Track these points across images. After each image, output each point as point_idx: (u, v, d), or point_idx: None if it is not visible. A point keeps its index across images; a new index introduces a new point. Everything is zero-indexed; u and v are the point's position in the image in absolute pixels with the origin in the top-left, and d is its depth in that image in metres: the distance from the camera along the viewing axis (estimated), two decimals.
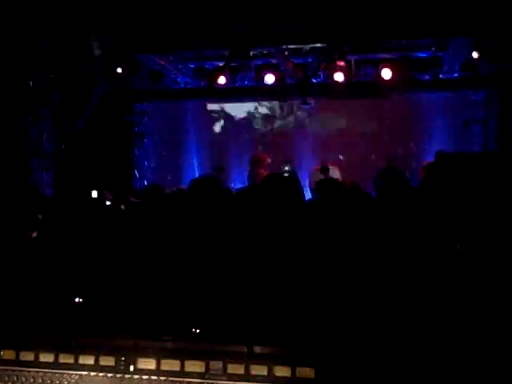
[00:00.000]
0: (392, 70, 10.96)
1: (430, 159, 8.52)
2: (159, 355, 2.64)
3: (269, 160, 9.21)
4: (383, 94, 11.36)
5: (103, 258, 3.13)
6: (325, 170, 9.91)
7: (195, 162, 13.15)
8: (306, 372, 2.42)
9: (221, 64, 11.32)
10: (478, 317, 2.52)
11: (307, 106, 12.05)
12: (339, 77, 11.07)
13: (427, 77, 11.55)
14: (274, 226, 3.15)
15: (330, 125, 12.59)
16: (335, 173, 10.10)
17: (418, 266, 3.03)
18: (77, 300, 2.87)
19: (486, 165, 5.23)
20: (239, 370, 2.53)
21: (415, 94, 12.15)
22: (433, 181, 5.09)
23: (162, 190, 5.13)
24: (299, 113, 13.11)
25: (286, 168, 9.71)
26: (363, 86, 11.50)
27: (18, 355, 2.74)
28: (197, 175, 12.48)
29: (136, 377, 2.68)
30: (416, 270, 2.98)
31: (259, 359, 2.48)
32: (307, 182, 9.48)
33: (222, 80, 11.29)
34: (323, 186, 4.86)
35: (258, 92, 11.57)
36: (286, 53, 11.13)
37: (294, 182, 3.60)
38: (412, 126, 12.31)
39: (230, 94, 11.70)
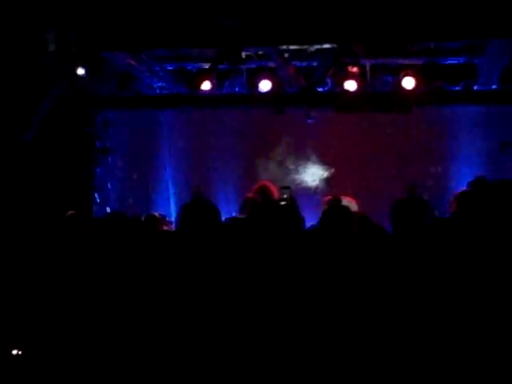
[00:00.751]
0: (416, 78, 10.02)
1: (461, 187, 7.94)
2: None
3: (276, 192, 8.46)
4: (404, 107, 10.30)
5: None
6: (336, 201, 8.67)
7: (170, 187, 11.82)
8: None
9: (206, 66, 10.36)
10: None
11: (311, 121, 10.77)
12: (351, 85, 9.99)
13: (458, 88, 10.49)
14: (265, 259, 3.07)
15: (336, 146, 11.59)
16: (351, 205, 8.69)
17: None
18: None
19: None
20: None
21: (443, 108, 10.98)
22: (466, 215, 4.67)
23: (127, 219, 4.76)
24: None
25: (285, 196, 8.55)
26: (380, 97, 10.51)
27: None
28: (172, 202, 11.35)
29: None
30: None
31: None
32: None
33: (206, 86, 10.25)
34: (328, 214, 4.46)
35: (251, 102, 10.54)
36: (286, 55, 10.16)
37: (289, 210, 3.57)
38: (438, 146, 11.13)
39: (217, 103, 10.60)
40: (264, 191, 8.70)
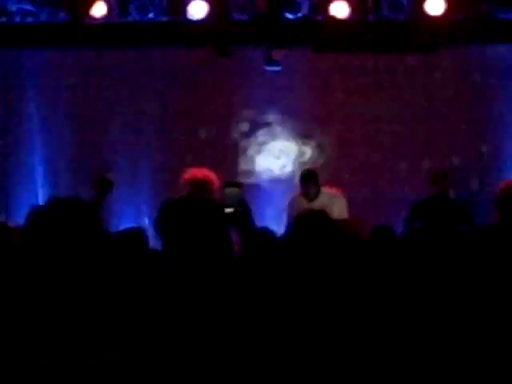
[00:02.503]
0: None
1: None
2: None
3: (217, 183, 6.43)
4: (427, 45, 7.97)
5: None
6: (313, 194, 7.58)
7: (38, 174, 9.06)
8: None
9: None
10: None
11: (276, 68, 8.13)
12: (340, 10, 7.78)
13: None
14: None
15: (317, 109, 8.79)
16: (334, 202, 7.81)
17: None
18: None
19: None
20: None
21: (490, 48, 8.30)
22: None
23: None
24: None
25: (231, 198, 6.88)
26: (388, 29, 8.05)
27: None
28: (41, 194, 8.75)
29: None
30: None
31: None
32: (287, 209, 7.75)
33: (99, 9, 7.92)
34: (301, 224, 3.70)
35: (174, 36, 8.14)
36: None
37: (238, 221, 3.66)
38: (478, 106, 8.44)
39: (116, 37, 8.09)
40: (198, 187, 6.36)
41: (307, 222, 3.85)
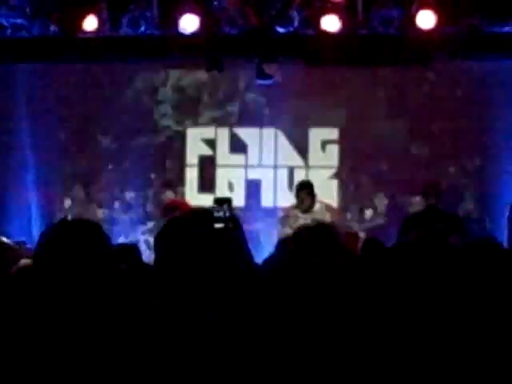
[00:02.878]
0: (437, 13, 7.74)
1: None
2: None
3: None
4: (419, 59, 7.96)
5: None
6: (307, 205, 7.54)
7: (30, 187, 8.95)
8: None
9: None
10: None
11: (268, 81, 8.17)
12: (331, 23, 7.80)
13: (507, 28, 7.74)
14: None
15: (314, 122, 8.73)
16: (325, 213, 7.86)
17: None
18: None
19: None
20: None
21: (481, 62, 8.28)
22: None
23: None
24: (251, 95, 8.77)
25: (220, 214, 6.04)
26: (379, 42, 8.10)
27: None
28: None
29: None
30: None
31: None
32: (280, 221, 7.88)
33: (90, 23, 7.97)
34: (292, 241, 3.20)
35: (166, 50, 8.18)
36: None
37: (229, 237, 2.84)
38: (474, 123, 8.32)
39: (108, 50, 8.14)
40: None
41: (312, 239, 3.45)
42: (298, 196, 7.53)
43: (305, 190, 7.51)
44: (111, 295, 2.90)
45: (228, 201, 6.86)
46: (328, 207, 7.73)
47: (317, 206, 7.66)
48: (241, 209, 7.68)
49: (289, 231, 7.30)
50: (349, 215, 8.24)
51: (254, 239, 7.44)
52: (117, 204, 8.69)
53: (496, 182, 8.04)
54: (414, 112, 8.29)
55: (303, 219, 7.39)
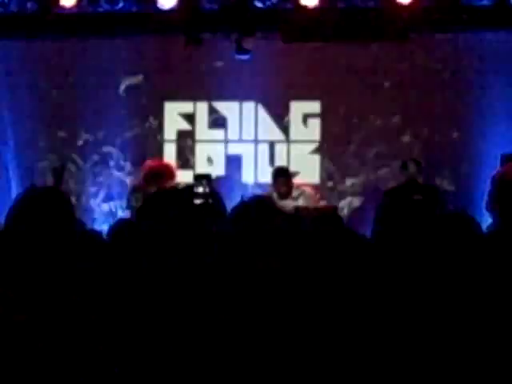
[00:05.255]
0: None
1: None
2: None
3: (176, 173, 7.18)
4: (397, 33, 7.85)
5: None
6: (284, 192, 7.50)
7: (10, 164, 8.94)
8: None
9: None
10: None
11: (245, 56, 8.07)
12: None
13: (486, 1, 7.67)
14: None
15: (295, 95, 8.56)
16: (303, 199, 7.82)
17: None
18: None
19: None
20: None
21: (462, 35, 8.20)
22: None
23: None
24: (230, 69, 8.48)
25: (200, 190, 6.68)
26: (357, 17, 7.96)
27: None
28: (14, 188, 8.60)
29: None
30: None
31: None
32: None
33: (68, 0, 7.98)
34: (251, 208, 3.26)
35: (145, 26, 8.12)
36: None
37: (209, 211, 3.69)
38: (452, 95, 8.28)
39: (86, 28, 8.08)
40: (160, 177, 7.02)
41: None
42: (274, 182, 7.53)
43: (281, 178, 7.52)
44: (77, 263, 2.83)
45: (207, 177, 6.81)
46: (306, 193, 7.73)
47: (294, 193, 7.60)
48: (221, 185, 7.57)
49: None
50: (329, 190, 8.02)
51: None
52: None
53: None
54: (395, 84, 8.10)
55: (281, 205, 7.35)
